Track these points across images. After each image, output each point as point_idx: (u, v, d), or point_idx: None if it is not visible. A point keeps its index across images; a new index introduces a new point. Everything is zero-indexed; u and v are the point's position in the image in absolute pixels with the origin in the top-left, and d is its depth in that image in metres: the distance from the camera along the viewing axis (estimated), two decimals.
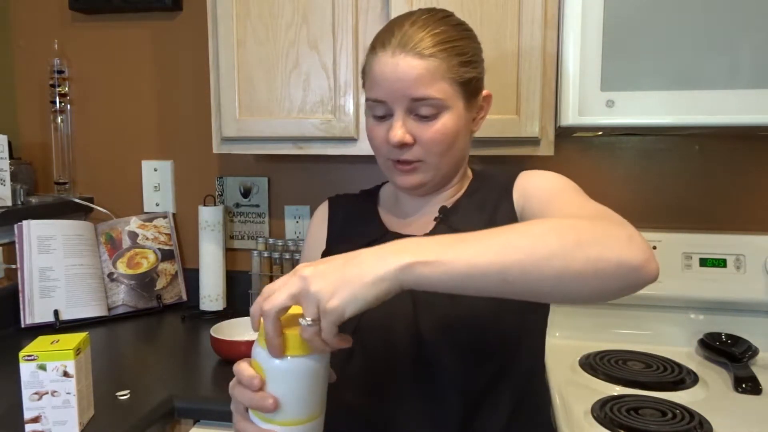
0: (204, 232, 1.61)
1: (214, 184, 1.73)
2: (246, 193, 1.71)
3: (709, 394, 1.11)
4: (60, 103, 1.74)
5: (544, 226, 0.64)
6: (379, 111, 0.85)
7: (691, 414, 0.99)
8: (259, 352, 0.64)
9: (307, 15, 1.28)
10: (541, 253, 0.61)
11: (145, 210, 1.77)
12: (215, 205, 1.67)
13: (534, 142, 1.22)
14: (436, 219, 0.90)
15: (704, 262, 1.34)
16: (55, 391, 0.93)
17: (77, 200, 1.73)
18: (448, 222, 0.89)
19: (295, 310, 0.62)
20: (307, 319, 0.60)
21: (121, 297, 1.63)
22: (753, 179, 1.43)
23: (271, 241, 1.64)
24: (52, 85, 1.72)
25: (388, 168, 0.88)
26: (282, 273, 1.61)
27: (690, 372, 1.19)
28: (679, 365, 1.22)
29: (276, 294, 0.61)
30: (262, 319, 0.62)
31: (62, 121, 1.75)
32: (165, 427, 1.11)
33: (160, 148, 1.75)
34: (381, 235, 0.92)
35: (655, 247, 1.36)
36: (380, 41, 0.83)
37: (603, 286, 0.62)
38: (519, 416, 0.84)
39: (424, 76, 0.80)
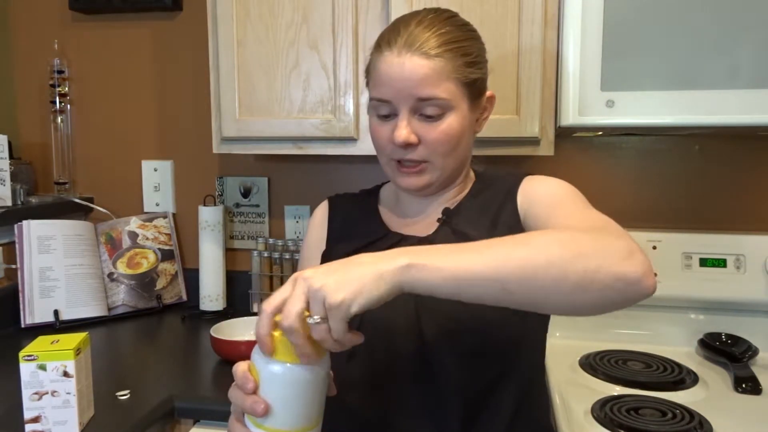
0: (204, 232, 1.61)
1: (214, 184, 1.73)
2: (246, 193, 1.71)
3: (709, 394, 1.11)
4: (60, 103, 1.74)
5: (545, 237, 0.65)
6: (384, 110, 0.84)
7: (691, 414, 0.99)
8: (258, 356, 0.64)
9: (307, 15, 1.28)
10: (541, 263, 0.61)
11: (145, 210, 1.77)
12: (215, 205, 1.67)
13: (534, 142, 1.22)
14: (439, 220, 0.90)
15: (704, 262, 1.34)
16: (55, 391, 0.93)
17: (77, 200, 1.73)
18: (450, 224, 0.89)
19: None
20: (315, 317, 0.60)
21: (121, 297, 1.63)
22: (753, 179, 1.43)
23: (271, 241, 1.64)
24: (52, 85, 1.72)
25: (391, 168, 0.88)
26: (282, 273, 1.61)
27: (690, 372, 1.19)
28: (679, 365, 1.22)
29: (290, 307, 0.60)
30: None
31: (62, 121, 1.75)
32: (165, 427, 1.11)
33: (160, 148, 1.75)
34: (382, 235, 0.92)
35: (655, 247, 1.36)
36: (386, 40, 0.83)
37: (600, 299, 0.63)
38: (519, 419, 0.84)
39: (430, 76, 0.79)
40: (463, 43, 0.82)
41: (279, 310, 0.61)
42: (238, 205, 1.71)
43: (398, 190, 0.95)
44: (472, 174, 0.97)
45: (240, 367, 0.65)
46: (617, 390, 1.11)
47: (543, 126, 1.21)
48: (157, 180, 1.75)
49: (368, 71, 0.87)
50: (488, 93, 0.89)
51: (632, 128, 1.23)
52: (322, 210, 1.02)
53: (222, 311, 1.62)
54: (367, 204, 0.99)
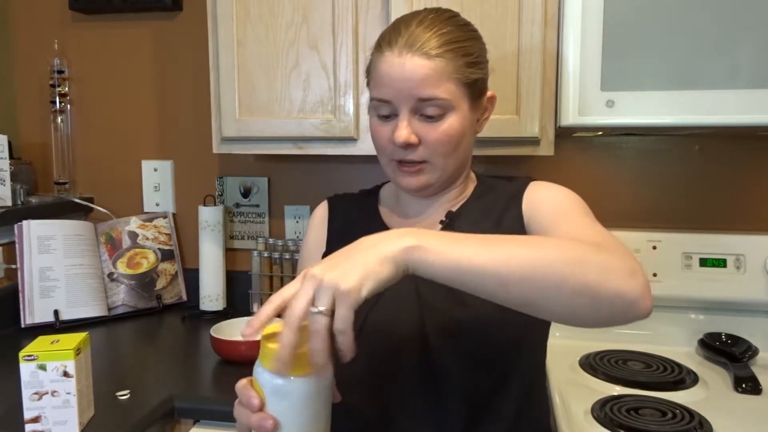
0: (204, 232, 1.61)
1: (214, 184, 1.73)
2: (246, 193, 1.71)
3: (709, 394, 1.11)
4: (60, 103, 1.74)
5: (552, 243, 0.65)
6: (384, 111, 0.84)
7: (691, 414, 0.99)
8: (260, 371, 0.62)
9: (307, 15, 1.28)
10: (543, 267, 0.61)
11: (145, 210, 1.77)
12: (215, 205, 1.67)
13: (534, 142, 1.22)
14: (441, 222, 0.90)
15: (704, 262, 1.34)
16: (55, 391, 0.93)
17: (77, 200, 1.73)
18: (453, 226, 0.89)
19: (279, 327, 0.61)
20: (319, 307, 0.58)
21: (121, 297, 1.63)
22: (753, 179, 1.43)
23: (271, 241, 1.64)
24: (52, 85, 1.72)
25: (391, 169, 0.88)
26: (282, 273, 1.61)
27: (690, 372, 1.19)
28: (679, 365, 1.22)
29: (295, 302, 0.59)
30: (263, 340, 0.61)
31: (62, 121, 1.75)
32: (165, 427, 1.11)
33: (160, 148, 1.75)
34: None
35: (655, 247, 1.36)
36: (386, 40, 0.82)
37: (595, 312, 0.63)
38: (521, 419, 0.84)
39: (431, 76, 0.79)
40: (464, 44, 0.82)
41: (285, 304, 0.61)
42: (238, 205, 1.71)
43: (398, 191, 0.95)
44: (473, 175, 0.97)
45: (243, 385, 0.64)
46: (617, 390, 1.11)
47: (543, 126, 1.21)
48: (157, 180, 1.75)
49: (369, 71, 0.87)
50: (489, 93, 0.89)
51: (632, 128, 1.23)
52: (322, 210, 1.02)
53: (222, 311, 1.62)
54: (367, 204, 0.99)
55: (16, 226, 1.51)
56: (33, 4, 1.76)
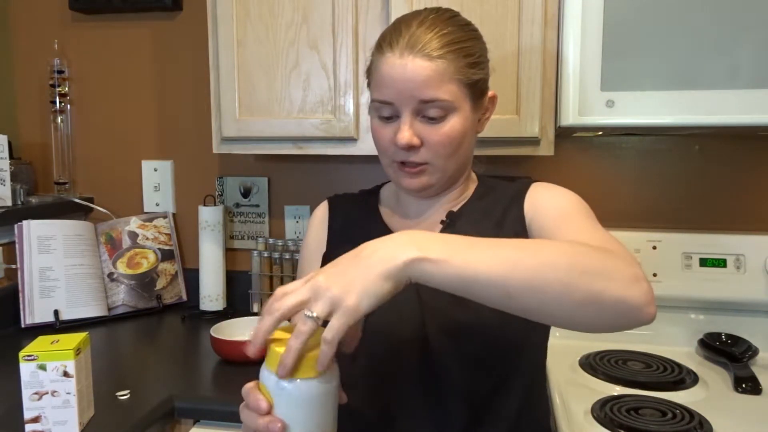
0: (204, 232, 1.61)
1: (214, 184, 1.73)
2: (246, 193, 1.71)
3: (709, 394, 1.11)
4: (60, 103, 1.74)
5: (556, 249, 0.64)
6: (386, 112, 0.84)
7: (691, 414, 0.99)
8: (267, 375, 0.62)
9: (307, 15, 1.28)
10: (547, 275, 0.61)
11: (145, 210, 1.77)
12: (215, 205, 1.67)
13: (534, 142, 1.22)
14: (442, 222, 0.90)
15: (704, 262, 1.34)
16: (55, 391, 0.93)
17: (77, 200, 1.73)
18: (454, 227, 0.88)
19: (289, 332, 0.61)
20: (312, 312, 0.59)
21: (121, 297, 1.63)
22: (753, 179, 1.43)
23: (271, 241, 1.64)
24: (52, 85, 1.72)
25: (393, 170, 0.87)
26: (282, 273, 1.61)
27: (690, 372, 1.19)
28: (679, 365, 1.22)
29: (287, 297, 0.61)
30: (270, 344, 0.62)
31: (62, 121, 1.75)
32: (165, 427, 1.11)
33: (160, 148, 1.75)
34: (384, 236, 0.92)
35: (655, 247, 1.36)
36: (387, 41, 0.82)
37: (599, 318, 0.63)
38: (521, 420, 0.84)
39: (432, 77, 0.79)
40: (465, 44, 0.82)
41: (284, 318, 0.61)
42: (238, 205, 1.71)
43: (399, 191, 0.94)
44: (473, 175, 0.97)
45: (250, 389, 0.64)
46: (617, 390, 1.11)
47: (543, 126, 1.21)
48: (157, 180, 1.75)
49: (369, 72, 0.86)
50: (490, 93, 0.89)
51: (632, 128, 1.23)
52: (322, 210, 1.02)
53: (222, 311, 1.62)
54: (368, 204, 0.99)
55: (16, 226, 1.51)
56: (33, 4, 1.76)
